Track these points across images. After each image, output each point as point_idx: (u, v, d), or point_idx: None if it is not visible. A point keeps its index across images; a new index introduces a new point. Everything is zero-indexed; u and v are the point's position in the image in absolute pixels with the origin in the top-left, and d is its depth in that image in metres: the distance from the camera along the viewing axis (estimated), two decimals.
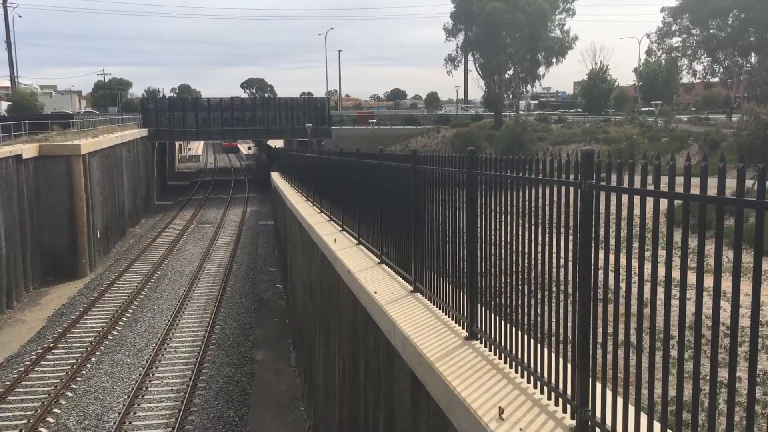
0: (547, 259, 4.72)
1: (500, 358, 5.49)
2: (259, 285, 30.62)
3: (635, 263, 12.33)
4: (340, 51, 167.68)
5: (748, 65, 62.56)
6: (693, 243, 3.82)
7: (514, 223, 5.15)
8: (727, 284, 3.71)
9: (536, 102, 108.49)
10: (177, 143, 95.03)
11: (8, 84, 75.02)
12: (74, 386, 18.73)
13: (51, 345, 22.00)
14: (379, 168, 9.83)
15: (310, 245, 16.16)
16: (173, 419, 16.65)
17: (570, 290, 4.35)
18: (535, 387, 4.82)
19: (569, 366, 4.32)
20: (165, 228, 45.21)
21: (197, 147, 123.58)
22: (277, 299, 28.41)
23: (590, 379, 4.12)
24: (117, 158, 43.75)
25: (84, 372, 19.74)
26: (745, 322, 11.99)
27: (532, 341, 4.88)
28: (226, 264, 34.00)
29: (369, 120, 73.96)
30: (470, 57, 69.10)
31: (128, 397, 17.89)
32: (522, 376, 5.06)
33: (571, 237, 4.32)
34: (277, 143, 67.38)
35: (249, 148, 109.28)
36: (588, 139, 52.01)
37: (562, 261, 4.49)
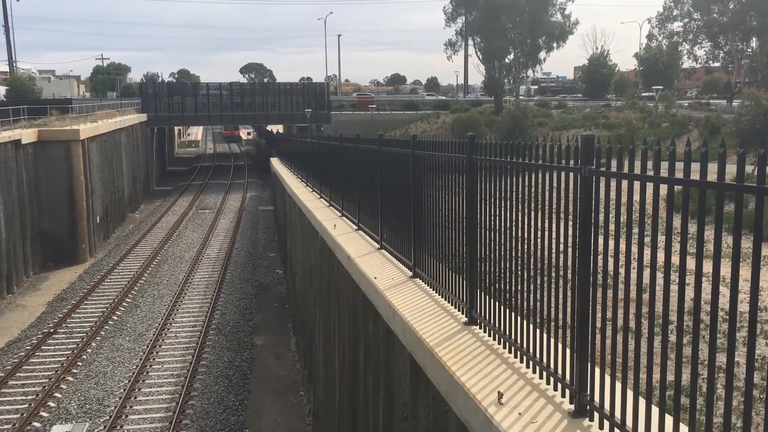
0: (546, 245, 4.72)
1: (499, 344, 5.50)
2: (259, 270, 30.67)
3: (635, 249, 12.34)
4: (339, 36, 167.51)
5: (750, 50, 62.31)
6: (692, 228, 3.81)
7: (514, 209, 5.15)
8: (726, 270, 3.72)
9: (536, 87, 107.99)
10: (176, 128, 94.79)
11: (6, 69, 74.69)
12: (75, 371, 18.81)
13: (51, 330, 22.07)
14: (378, 153, 9.81)
15: (309, 231, 16.16)
16: (174, 403, 16.74)
17: (569, 276, 4.35)
18: (534, 372, 4.84)
19: (568, 351, 4.34)
20: (165, 213, 45.20)
21: (196, 132, 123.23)
22: (277, 284, 28.47)
23: (589, 364, 4.13)
24: (116, 143, 43.66)
25: (84, 357, 19.82)
26: (743, 307, 12.03)
27: (531, 326, 4.89)
28: (225, 249, 34.03)
29: (369, 105, 73.71)
30: (470, 42, 68.81)
31: (129, 381, 17.97)
32: (521, 361, 5.08)
33: (570, 222, 4.32)
34: (276, 128, 67.24)
35: (248, 134, 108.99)
36: (588, 124, 51.87)
37: (561, 246, 4.49)
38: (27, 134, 30.94)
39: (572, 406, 4.24)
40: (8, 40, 69.28)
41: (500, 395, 4.53)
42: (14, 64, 72.13)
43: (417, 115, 68.06)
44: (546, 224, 4.76)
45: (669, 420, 3.37)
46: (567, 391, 4.35)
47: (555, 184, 4.51)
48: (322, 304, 14.20)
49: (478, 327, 6.00)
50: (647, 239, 3.64)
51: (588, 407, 4.10)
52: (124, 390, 17.43)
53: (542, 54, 65.34)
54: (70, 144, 32.87)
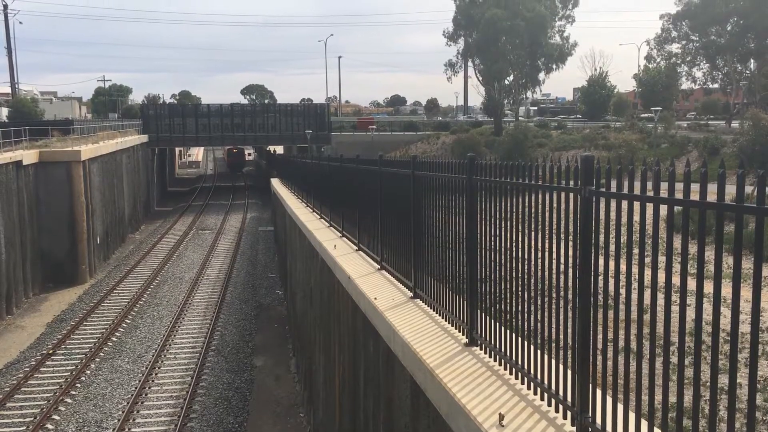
0: (547, 265, 4.71)
1: (500, 365, 5.48)
2: (259, 291, 30.59)
3: (635, 269, 12.29)
4: (339, 57, 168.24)
5: (748, 72, 62.67)
6: (693, 249, 3.82)
7: (514, 229, 5.15)
8: (727, 290, 3.72)
9: (536, 108, 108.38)
10: (177, 149, 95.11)
11: (9, 90, 75.12)
12: (73, 393, 18.68)
13: (50, 351, 21.96)
14: (378, 174, 9.83)
15: (309, 251, 16.15)
16: (173, 426, 16.61)
17: (570, 296, 4.34)
18: (535, 393, 4.81)
19: (569, 372, 4.31)
20: (165, 234, 45.20)
21: (197, 153, 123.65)
22: (277, 305, 28.38)
23: (590, 385, 4.11)
24: (117, 164, 43.78)
25: (83, 378, 19.70)
26: (745, 328, 11.96)
27: (532, 347, 4.87)
28: (225, 270, 33.98)
29: (369, 126, 73.98)
30: (470, 63, 69.19)
31: (127, 403, 17.85)
32: (522, 383, 5.05)
33: (571, 243, 4.32)
34: (277, 149, 67.48)
35: (249, 154, 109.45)
36: (588, 145, 52.02)
37: (562, 267, 4.48)
38: (28, 155, 31.05)
39: (574, 428, 4.21)
40: (11, 61, 69.84)
41: (501, 417, 4.50)
42: (16, 86, 72.56)
43: (417, 135, 68.29)
44: (546, 245, 4.76)
45: None
46: (568, 413, 4.32)
47: (555, 205, 4.52)
48: (322, 324, 14.15)
49: (478, 348, 5.97)
50: (648, 260, 3.64)
51: (590, 429, 4.07)
52: (123, 412, 17.30)
53: (541, 75, 65.71)
54: (71, 165, 32.96)
